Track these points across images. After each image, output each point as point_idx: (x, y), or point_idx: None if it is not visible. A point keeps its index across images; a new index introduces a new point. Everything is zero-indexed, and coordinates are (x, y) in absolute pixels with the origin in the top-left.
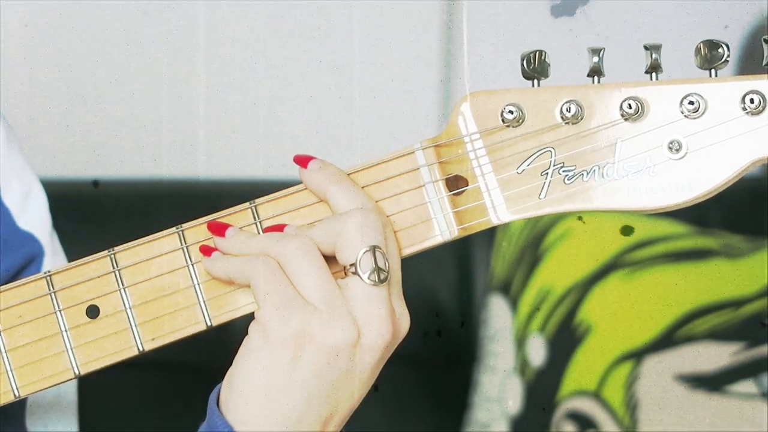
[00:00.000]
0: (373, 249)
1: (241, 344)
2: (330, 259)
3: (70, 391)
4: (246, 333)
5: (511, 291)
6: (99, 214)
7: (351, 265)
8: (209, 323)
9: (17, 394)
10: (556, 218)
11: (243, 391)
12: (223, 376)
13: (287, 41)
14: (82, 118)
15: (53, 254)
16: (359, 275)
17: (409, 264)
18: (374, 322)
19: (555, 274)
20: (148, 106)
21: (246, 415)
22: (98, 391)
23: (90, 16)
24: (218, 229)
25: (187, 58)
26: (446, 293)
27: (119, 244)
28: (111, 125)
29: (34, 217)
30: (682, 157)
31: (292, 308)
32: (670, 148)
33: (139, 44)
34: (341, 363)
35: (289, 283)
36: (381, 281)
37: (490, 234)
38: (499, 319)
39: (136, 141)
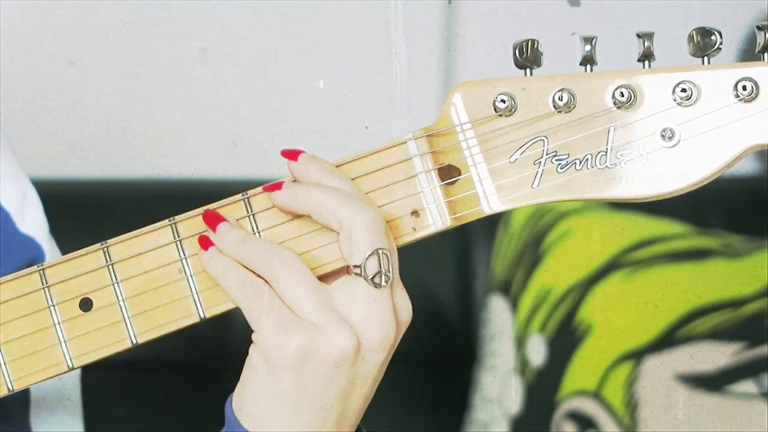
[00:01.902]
0: (379, 252)
1: (244, 353)
2: (328, 233)
3: (74, 391)
4: (246, 347)
5: (511, 291)
6: (99, 214)
7: (356, 266)
8: (202, 315)
9: (11, 388)
10: (556, 218)
11: (255, 413)
12: (223, 376)
13: (287, 41)
14: (82, 118)
15: (52, 258)
16: (363, 278)
17: (409, 264)
18: (375, 325)
19: (555, 274)
20: (148, 106)
21: None
22: (98, 391)
23: (89, 15)
24: (211, 222)
25: (187, 58)
26: (446, 293)
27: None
28: (111, 125)
29: (33, 221)
30: (675, 145)
31: (289, 328)
32: (663, 136)
33: (139, 44)
34: (345, 371)
35: (282, 303)
36: (384, 284)
37: (490, 234)
38: (499, 319)
39: (137, 141)
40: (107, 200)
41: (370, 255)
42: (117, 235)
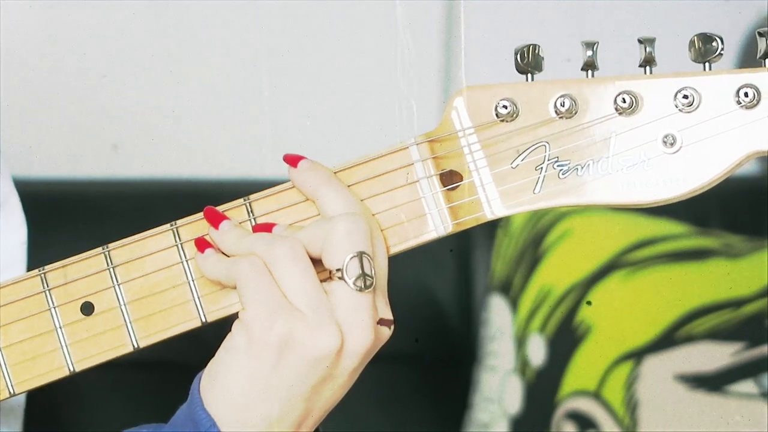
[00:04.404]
0: (360, 255)
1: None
2: (316, 262)
3: (18, 409)
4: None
5: (511, 291)
6: (98, 214)
7: (337, 270)
8: (204, 319)
9: (12, 391)
10: (556, 218)
11: (223, 389)
12: None
13: (288, 40)
14: (83, 117)
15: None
16: (345, 281)
17: (409, 264)
18: (357, 329)
19: (555, 274)
20: (148, 106)
21: (224, 412)
22: (97, 391)
23: (90, 15)
24: (213, 220)
25: (187, 58)
26: (446, 293)
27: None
28: (111, 125)
29: None
30: (677, 151)
31: (278, 312)
32: (665, 142)
33: (140, 44)
34: (322, 369)
35: (276, 285)
36: (366, 287)
37: (490, 234)
38: (499, 319)
39: (137, 140)
40: (106, 200)
41: (350, 258)
42: (115, 236)
